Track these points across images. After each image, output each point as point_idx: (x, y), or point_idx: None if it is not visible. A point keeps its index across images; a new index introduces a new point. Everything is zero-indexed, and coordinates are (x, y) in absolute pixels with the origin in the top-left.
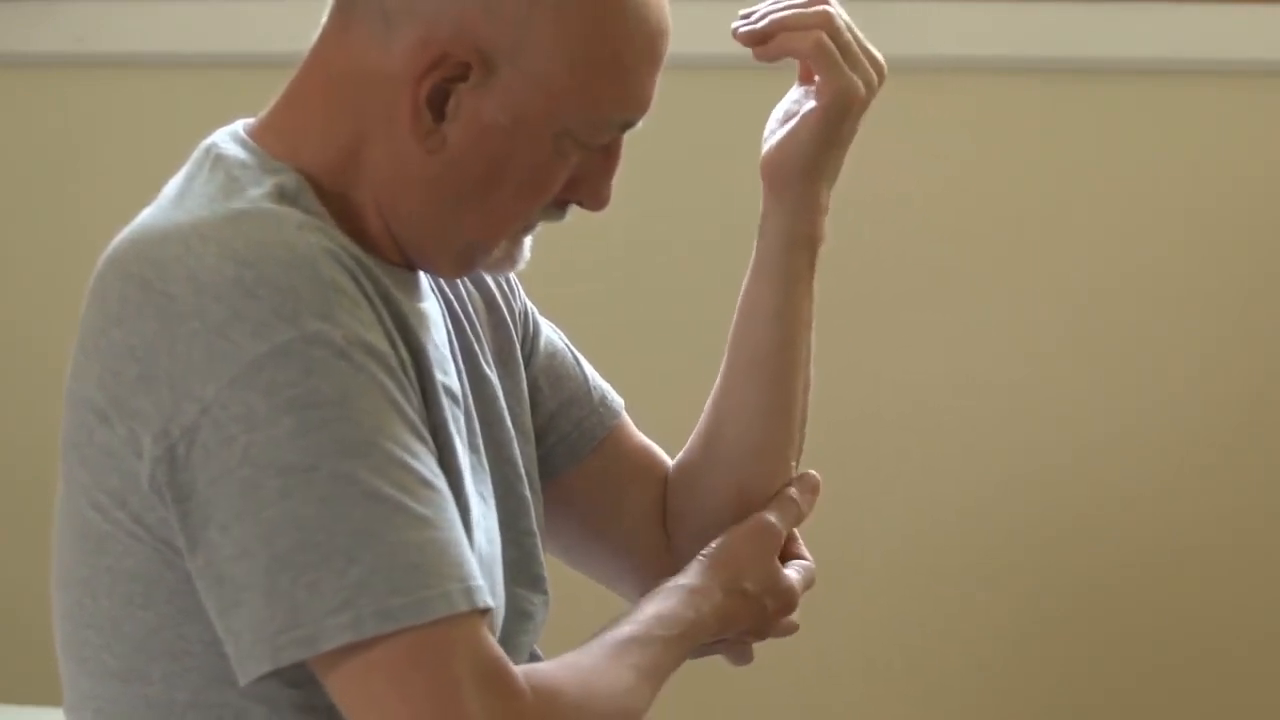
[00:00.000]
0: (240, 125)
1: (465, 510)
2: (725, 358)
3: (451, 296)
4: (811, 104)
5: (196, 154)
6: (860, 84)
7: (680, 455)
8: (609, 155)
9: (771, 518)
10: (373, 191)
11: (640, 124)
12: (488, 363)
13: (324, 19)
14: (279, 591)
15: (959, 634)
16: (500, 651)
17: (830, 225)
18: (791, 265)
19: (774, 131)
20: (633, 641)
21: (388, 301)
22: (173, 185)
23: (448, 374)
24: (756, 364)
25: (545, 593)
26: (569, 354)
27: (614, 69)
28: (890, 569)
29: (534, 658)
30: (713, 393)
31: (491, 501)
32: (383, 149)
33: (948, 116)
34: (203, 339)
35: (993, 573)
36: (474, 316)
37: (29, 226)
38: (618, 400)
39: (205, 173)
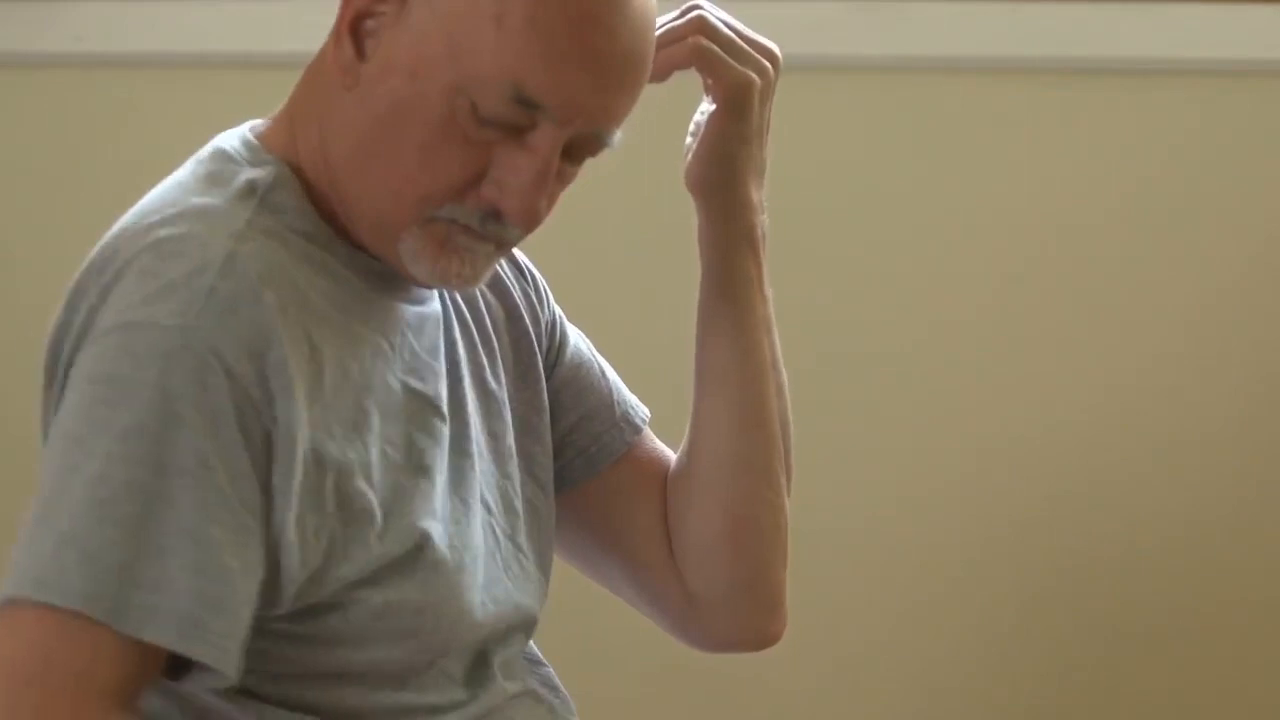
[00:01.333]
0: (251, 124)
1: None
2: (694, 375)
3: (465, 307)
4: (712, 107)
5: (205, 146)
6: (752, 74)
7: (671, 471)
8: (528, 149)
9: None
10: (323, 146)
11: (593, 151)
12: (496, 374)
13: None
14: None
15: (945, 626)
16: (96, 681)
17: (829, 226)
18: (735, 271)
19: (689, 146)
20: None
21: (316, 317)
22: (175, 171)
23: (424, 380)
24: (719, 376)
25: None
26: (595, 366)
27: (516, 28)
28: (880, 560)
29: (531, 659)
30: (690, 412)
31: (478, 508)
32: (324, 106)
33: (947, 116)
34: (95, 297)
35: (980, 564)
36: (489, 326)
37: (29, 226)
38: (642, 414)
39: (194, 165)
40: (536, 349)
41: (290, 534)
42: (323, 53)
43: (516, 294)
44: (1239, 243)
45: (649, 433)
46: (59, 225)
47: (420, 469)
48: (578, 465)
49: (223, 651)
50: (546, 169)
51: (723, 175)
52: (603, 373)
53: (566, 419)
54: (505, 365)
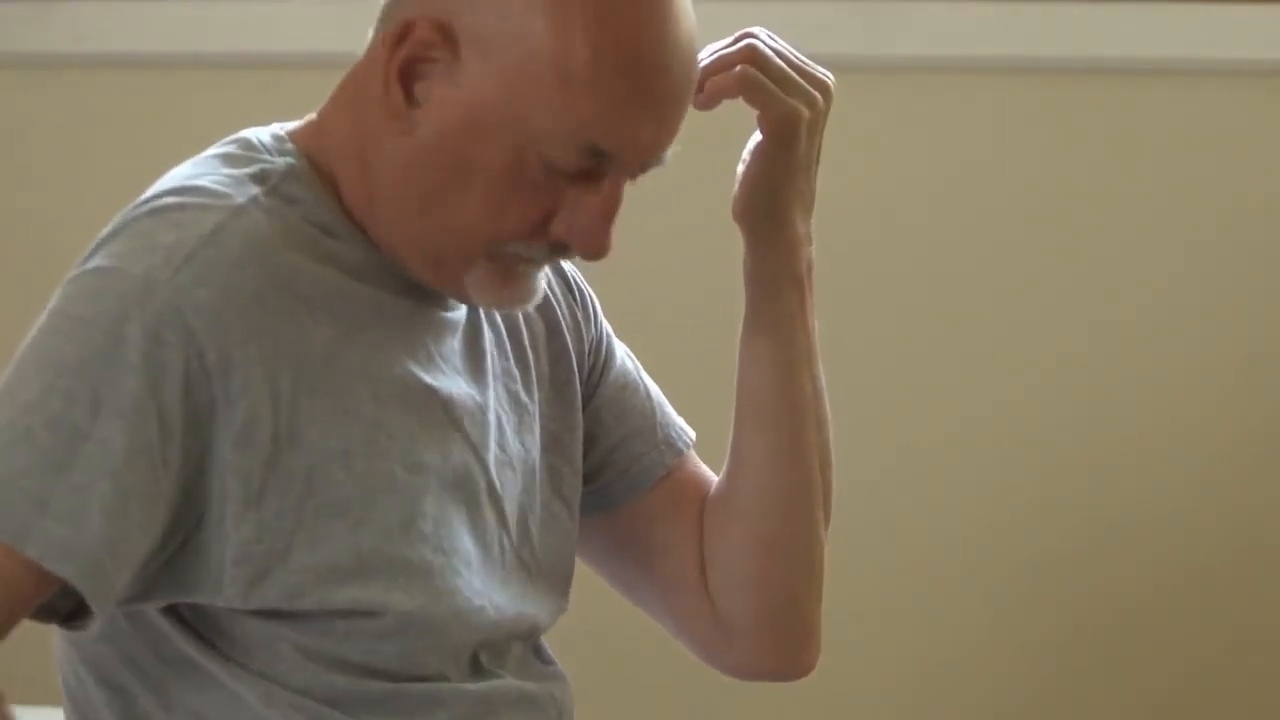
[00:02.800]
0: (283, 123)
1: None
2: (734, 405)
3: (499, 317)
4: (758, 138)
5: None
6: (801, 106)
7: (709, 497)
8: (599, 194)
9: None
10: (367, 182)
11: (647, 170)
12: (529, 387)
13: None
14: None
15: (947, 627)
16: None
17: (829, 226)
18: (778, 306)
19: (739, 176)
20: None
21: (313, 303)
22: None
23: (439, 378)
24: (756, 410)
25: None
26: (640, 386)
27: (582, 82)
28: (881, 560)
29: (544, 660)
30: (729, 443)
31: (485, 513)
32: (370, 140)
33: (948, 116)
34: (88, 254)
35: (998, 582)
36: (526, 340)
37: (29, 226)
38: (686, 438)
39: (217, 148)
40: (575, 367)
41: (227, 509)
42: (363, 72)
43: (562, 309)
44: (1239, 242)
45: (692, 455)
46: (59, 225)
47: (418, 465)
48: (618, 486)
49: (108, 602)
50: (615, 206)
51: (768, 207)
52: (648, 393)
53: (608, 438)
54: (540, 380)
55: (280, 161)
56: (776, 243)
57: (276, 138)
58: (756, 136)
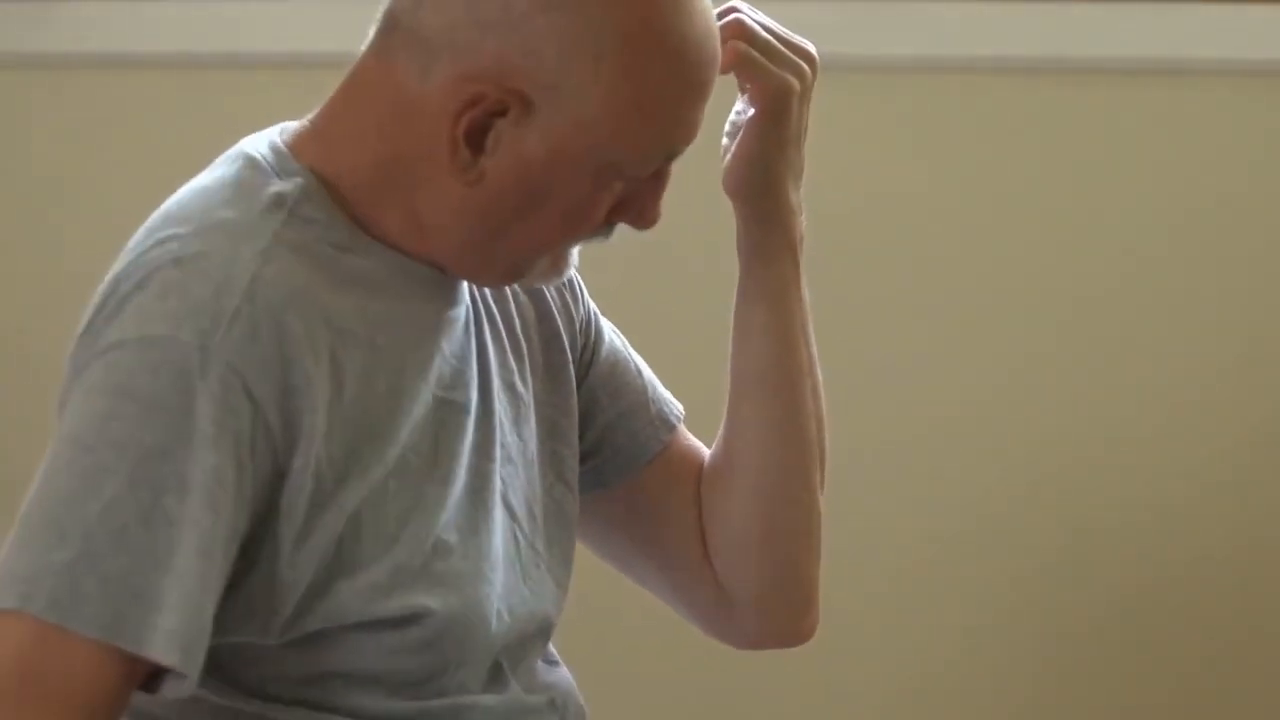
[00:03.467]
0: (282, 127)
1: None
2: (729, 378)
3: (496, 310)
4: (751, 111)
5: (229, 151)
6: (791, 78)
7: (705, 468)
8: (657, 179)
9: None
10: (408, 208)
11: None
12: (524, 377)
13: (370, 33)
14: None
15: (948, 627)
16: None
17: (829, 226)
18: (774, 276)
19: (726, 148)
20: None
21: (342, 335)
22: (199, 176)
23: (453, 386)
24: (756, 380)
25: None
26: (631, 363)
27: (657, 108)
28: (886, 561)
29: (549, 660)
30: (725, 413)
31: (500, 514)
32: (421, 177)
33: (948, 116)
34: (114, 305)
35: (994, 581)
36: (519, 328)
37: (29, 227)
38: (676, 411)
39: (223, 170)
40: (568, 350)
41: (287, 555)
42: (370, 78)
43: (550, 293)
44: (1240, 242)
45: (683, 429)
46: (59, 225)
47: (443, 478)
48: (613, 465)
49: (198, 668)
50: (668, 182)
51: (763, 180)
52: (638, 370)
53: (603, 417)
54: (534, 367)
55: (291, 183)
56: (771, 214)
57: (278, 153)
58: (739, 108)
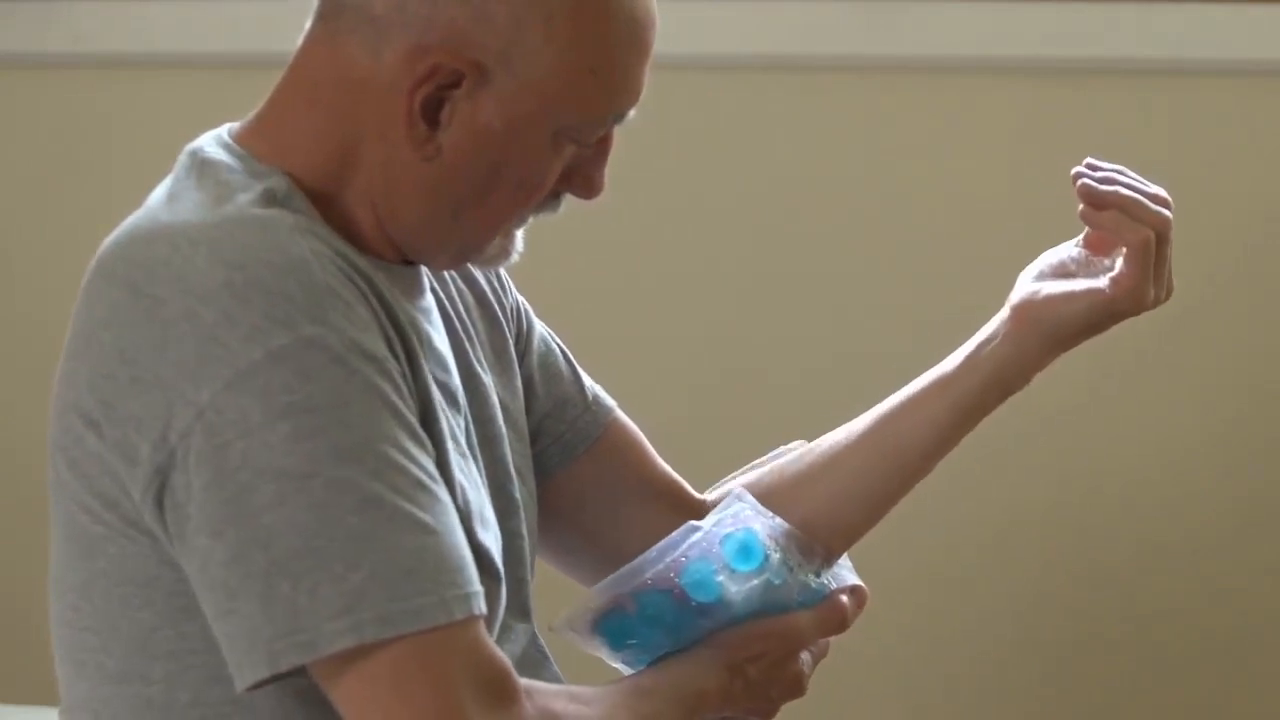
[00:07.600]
0: (225, 130)
1: (465, 510)
2: (862, 426)
3: (442, 294)
4: (1101, 284)
5: (182, 159)
6: (1152, 299)
7: (744, 480)
8: (602, 145)
9: (805, 623)
10: (367, 194)
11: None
12: (480, 361)
13: (307, 24)
14: (277, 597)
15: (950, 627)
16: (501, 656)
17: (829, 225)
18: (984, 397)
19: (1044, 276)
20: (638, 692)
21: (383, 303)
22: (160, 190)
23: (449, 373)
24: (892, 457)
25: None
26: (560, 352)
27: (607, 68)
28: (888, 561)
29: (527, 658)
30: (823, 442)
31: (486, 500)
32: (377, 156)
33: (947, 116)
34: (192, 342)
35: (1007, 588)
36: (465, 314)
37: (29, 226)
38: (609, 400)
39: (193, 178)
40: (508, 334)
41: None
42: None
43: (481, 281)
44: (1239, 242)
45: (622, 420)
46: (59, 225)
47: (447, 465)
48: (554, 452)
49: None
50: (611, 149)
51: (1055, 335)
52: (567, 358)
53: (541, 405)
54: (484, 351)
55: (271, 181)
56: (1031, 357)
57: (236, 154)
58: (1070, 250)
